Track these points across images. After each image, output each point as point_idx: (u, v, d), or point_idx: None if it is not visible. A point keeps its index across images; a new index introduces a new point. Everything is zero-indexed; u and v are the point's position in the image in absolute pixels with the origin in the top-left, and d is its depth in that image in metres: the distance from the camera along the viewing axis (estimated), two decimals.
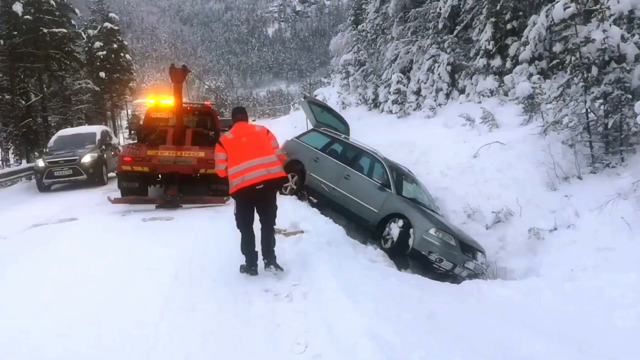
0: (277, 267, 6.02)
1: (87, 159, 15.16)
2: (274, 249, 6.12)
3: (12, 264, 6.48)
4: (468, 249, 8.68)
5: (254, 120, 30.14)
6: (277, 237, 7.62)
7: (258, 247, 6.08)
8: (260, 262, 6.08)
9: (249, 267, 5.99)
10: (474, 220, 10.23)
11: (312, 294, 5.25)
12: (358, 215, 9.61)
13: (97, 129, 18.01)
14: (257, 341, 4.34)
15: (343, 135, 11.44)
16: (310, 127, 12.56)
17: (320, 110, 12.59)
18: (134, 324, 4.52)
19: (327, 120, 12.46)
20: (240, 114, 6.58)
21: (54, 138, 17.40)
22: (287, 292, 5.40)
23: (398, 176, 9.90)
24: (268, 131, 6.43)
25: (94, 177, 15.17)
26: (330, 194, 10.05)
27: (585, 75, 9.33)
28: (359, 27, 30.34)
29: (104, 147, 16.58)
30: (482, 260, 8.86)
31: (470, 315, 5.47)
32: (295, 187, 10.72)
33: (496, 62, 15.94)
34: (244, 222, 6.07)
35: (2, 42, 26.68)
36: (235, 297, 5.27)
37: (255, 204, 6.10)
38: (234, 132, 6.29)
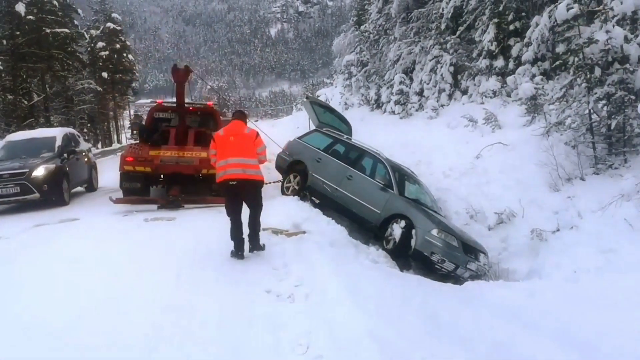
0: (259, 248, 6.92)
1: (40, 172, 11.17)
2: (259, 234, 6.96)
3: (12, 264, 6.47)
4: (470, 250, 8.66)
5: (256, 121, 30.17)
6: (280, 237, 7.73)
7: (245, 235, 6.86)
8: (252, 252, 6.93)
9: (237, 252, 6.73)
10: (476, 221, 10.21)
11: (314, 294, 5.25)
12: (360, 215, 9.59)
13: (58, 132, 13.73)
14: (259, 342, 4.33)
15: (345, 136, 11.42)
16: (313, 127, 12.55)
17: (322, 111, 12.58)
18: (135, 323, 4.52)
19: (330, 120, 12.45)
20: (237, 114, 7.37)
21: (1, 144, 13.33)
22: (289, 292, 5.39)
23: (400, 177, 9.88)
24: (257, 136, 7.03)
25: (49, 196, 11.30)
26: (332, 194, 10.03)
27: (588, 76, 9.31)
28: (362, 27, 30.31)
29: (65, 155, 12.39)
30: (485, 261, 8.84)
31: (473, 317, 5.45)
32: (297, 188, 10.71)
33: (499, 63, 15.92)
34: (230, 211, 6.85)
35: (4, 42, 26.79)
36: (237, 298, 5.27)
37: (240, 195, 6.87)
38: (226, 129, 7.11)
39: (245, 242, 6.86)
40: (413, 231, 8.54)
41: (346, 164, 10.27)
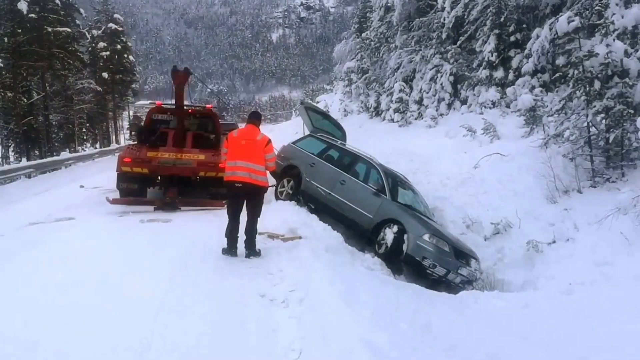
0: (256, 254, 7.00)
1: None
2: (255, 240, 7.12)
3: (6, 262, 6.43)
4: (462, 255, 8.65)
5: None
6: (275, 242, 7.72)
7: (241, 234, 7.03)
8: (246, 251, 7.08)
9: (229, 250, 6.91)
10: (472, 231, 10.19)
11: (308, 300, 5.22)
12: (353, 220, 9.57)
13: None
14: (252, 346, 4.31)
15: (339, 141, 11.43)
16: (308, 132, 12.56)
17: (317, 117, 12.59)
18: (127, 325, 4.49)
19: (324, 126, 12.45)
20: (252, 118, 7.50)
21: None
22: (283, 297, 5.37)
23: (393, 182, 9.89)
24: (268, 143, 7.21)
25: None
26: (325, 198, 10.03)
27: (587, 89, 9.33)
28: (363, 35, 30.46)
29: None
30: (476, 266, 8.83)
31: (467, 326, 5.43)
32: (291, 192, 10.70)
33: (499, 73, 15.99)
34: (230, 210, 7.11)
35: (6, 39, 26.72)
36: (231, 301, 5.24)
37: (243, 198, 7.09)
38: (240, 132, 7.37)
39: (240, 243, 6.99)
40: (405, 236, 8.53)
41: (339, 169, 10.28)
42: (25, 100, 28.57)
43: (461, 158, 13.07)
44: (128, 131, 52.98)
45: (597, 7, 10.54)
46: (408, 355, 4.19)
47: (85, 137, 40.45)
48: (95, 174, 18.88)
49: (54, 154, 28.05)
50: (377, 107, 23.78)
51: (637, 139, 8.86)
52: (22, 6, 26.25)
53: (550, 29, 13.18)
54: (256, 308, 5.13)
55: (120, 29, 44.76)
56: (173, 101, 11.91)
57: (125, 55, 45.25)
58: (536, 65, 14.32)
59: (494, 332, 5.25)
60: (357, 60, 29.37)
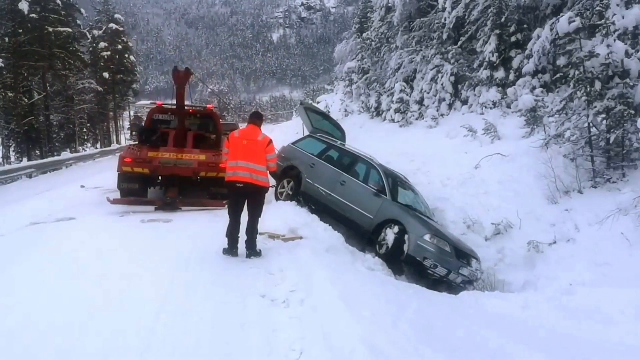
0: (256, 254, 7.00)
1: None
2: (256, 240, 7.10)
3: (7, 262, 6.44)
4: (462, 255, 8.65)
5: None
6: (276, 242, 7.73)
7: (241, 234, 7.01)
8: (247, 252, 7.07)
9: (230, 250, 6.91)
10: (473, 232, 10.20)
11: (309, 300, 5.22)
12: (353, 220, 9.57)
13: None
14: (252, 346, 4.31)
15: (339, 142, 11.43)
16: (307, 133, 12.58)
17: (316, 117, 12.60)
18: (128, 325, 4.49)
19: (324, 126, 12.46)
20: (253, 118, 7.49)
21: None
22: (283, 297, 5.37)
23: (394, 183, 9.89)
24: (269, 143, 7.21)
25: None
26: (325, 199, 10.03)
27: (588, 89, 9.33)
28: (364, 35, 30.46)
29: None
30: (477, 266, 8.83)
31: (467, 327, 5.43)
32: (290, 193, 10.71)
33: (499, 74, 15.97)
34: (231, 210, 7.12)
35: (6, 39, 26.76)
36: (232, 301, 5.24)
37: (244, 198, 7.09)
38: (241, 132, 7.35)
39: (241, 243, 6.99)
40: (406, 236, 8.53)
41: (339, 169, 10.28)
42: (26, 100, 28.61)
43: (462, 158, 13.08)
44: (129, 131, 53.00)
45: (597, 8, 10.54)
46: (408, 355, 4.19)
47: (85, 137, 40.47)
48: (96, 173, 18.88)
49: (55, 153, 28.09)
50: (378, 107, 23.77)
51: (638, 140, 8.87)
52: (23, 6, 26.29)
53: (551, 30, 13.17)
54: (257, 308, 5.13)
55: (121, 29, 44.79)
56: (174, 101, 11.93)
57: (126, 55, 45.29)
58: (537, 65, 14.31)
59: (495, 332, 5.24)
60: (358, 61, 29.36)
